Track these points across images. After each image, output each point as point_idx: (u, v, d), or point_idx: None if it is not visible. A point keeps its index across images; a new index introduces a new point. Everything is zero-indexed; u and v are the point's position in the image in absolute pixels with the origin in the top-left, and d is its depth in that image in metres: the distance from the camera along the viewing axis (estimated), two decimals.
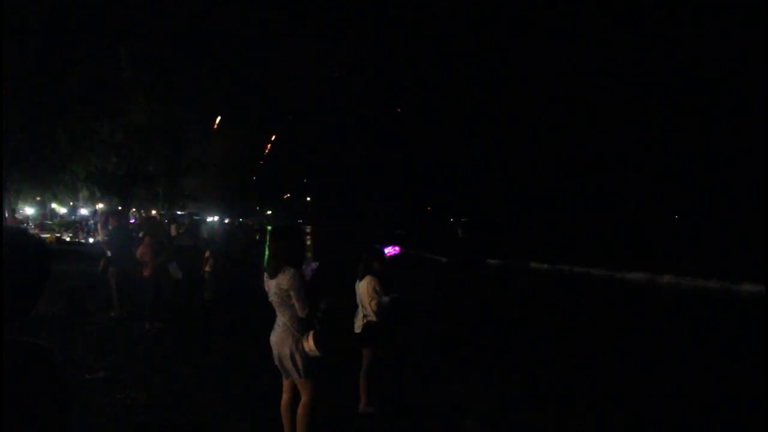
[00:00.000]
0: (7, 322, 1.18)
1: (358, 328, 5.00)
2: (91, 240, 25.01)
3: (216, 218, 53.91)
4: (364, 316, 4.93)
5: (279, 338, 3.62)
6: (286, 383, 3.79)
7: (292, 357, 3.56)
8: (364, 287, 4.91)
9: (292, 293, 3.53)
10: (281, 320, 3.64)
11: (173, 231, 33.50)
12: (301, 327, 3.58)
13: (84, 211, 34.68)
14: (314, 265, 4.20)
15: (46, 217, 39.55)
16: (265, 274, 3.74)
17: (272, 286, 3.62)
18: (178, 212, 40.96)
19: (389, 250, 5.20)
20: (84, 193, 33.89)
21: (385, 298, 4.85)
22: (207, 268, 10.97)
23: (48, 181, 31.59)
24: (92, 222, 29.47)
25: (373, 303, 4.81)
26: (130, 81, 25.38)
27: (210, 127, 34.92)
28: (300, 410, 3.69)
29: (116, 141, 25.92)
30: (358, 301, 5.05)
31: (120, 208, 27.09)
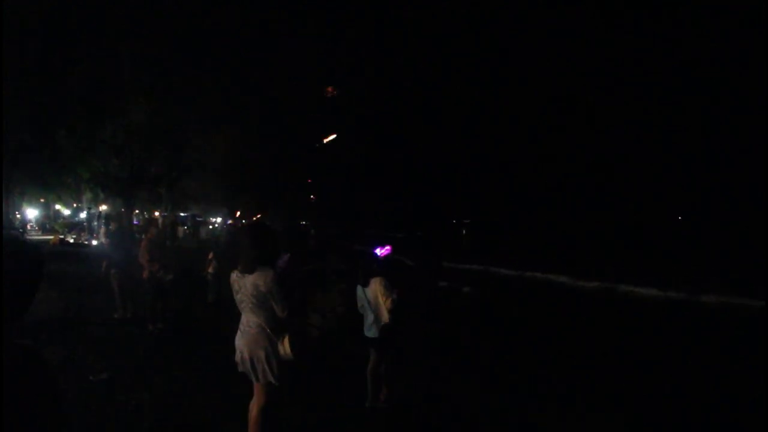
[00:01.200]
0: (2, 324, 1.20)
1: (368, 331, 4.96)
2: (94, 242, 25.09)
3: (219, 219, 54.01)
4: (376, 320, 4.87)
5: (252, 340, 3.47)
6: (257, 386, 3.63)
7: (268, 359, 3.44)
8: (374, 290, 4.85)
9: (272, 295, 3.42)
10: (253, 321, 3.50)
11: (180, 232, 33.66)
12: (278, 329, 3.49)
13: (83, 215, 34.85)
14: (286, 257, 4.12)
15: (50, 219, 39.74)
16: (236, 272, 3.58)
17: (248, 285, 3.47)
18: (181, 214, 41.00)
19: (380, 251, 5.13)
20: (88, 195, 33.98)
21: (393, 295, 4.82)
22: (210, 270, 10.99)
23: (51, 182, 31.73)
24: (95, 224, 29.60)
25: (389, 301, 4.75)
26: (130, 81, 25.37)
27: (211, 128, 34.84)
28: (255, 414, 3.57)
29: (118, 143, 25.92)
30: (361, 307, 5.01)
31: (123, 209, 27.16)
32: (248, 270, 3.50)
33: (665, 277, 17.43)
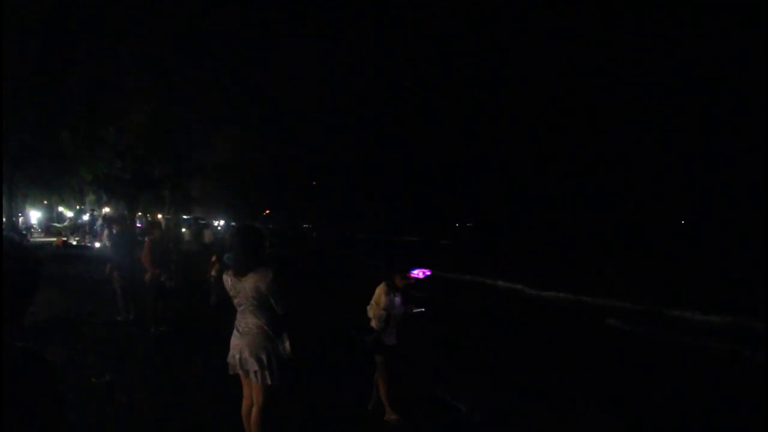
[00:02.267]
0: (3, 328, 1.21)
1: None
2: (97, 244, 25.15)
3: (222, 222, 54.02)
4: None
5: (254, 341, 3.49)
6: (248, 388, 3.67)
7: (269, 360, 3.47)
8: (377, 293, 4.75)
9: (273, 294, 3.45)
10: (254, 322, 3.52)
11: (185, 235, 33.71)
12: (279, 329, 3.53)
13: (86, 217, 34.92)
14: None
15: (52, 221, 39.84)
16: (230, 275, 3.60)
17: (247, 288, 3.49)
18: (184, 216, 41.06)
19: (417, 273, 4.79)
20: (90, 197, 34.10)
21: (417, 309, 4.62)
22: (213, 273, 11.01)
23: (54, 184, 31.83)
24: (98, 226, 29.66)
25: (373, 309, 4.67)
26: (132, 82, 25.40)
27: (212, 129, 34.87)
28: (255, 415, 3.58)
29: (120, 145, 26.01)
30: None
31: (126, 212, 27.24)
32: (240, 272, 3.52)
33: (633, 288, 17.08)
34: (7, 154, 22.13)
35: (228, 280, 3.62)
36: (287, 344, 3.50)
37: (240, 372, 3.60)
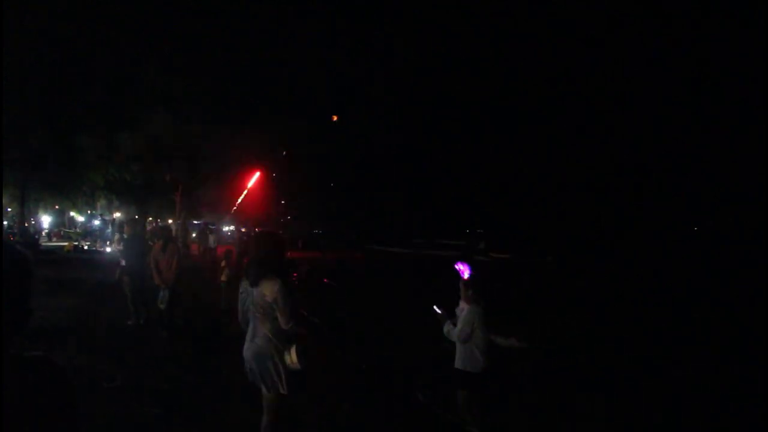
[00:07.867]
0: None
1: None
2: (108, 249, 25.34)
3: (232, 227, 54.17)
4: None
5: (260, 350, 3.45)
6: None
7: (276, 370, 3.42)
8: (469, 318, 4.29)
9: (277, 305, 3.39)
10: (260, 330, 3.46)
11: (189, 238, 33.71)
12: (283, 339, 3.46)
13: (96, 222, 35.16)
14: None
15: (65, 225, 40.20)
16: (244, 282, 3.58)
17: (256, 295, 3.45)
18: (194, 221, 41.11)
19: (462, 269, 4.40)
20: (102, 202, 34.33)
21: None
22: (224, 278, 10.97)
23: (67, 189, 32.08)
24: (109, 230, 29.88)
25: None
26: (149, 89, 25.49)
27: (224, 134, 34.78)
28: (265, 424, 3.52)
29: (136, 151, 26.12)
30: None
31: (136, 216, 27.37)
32: (253, 282, 3.47)
33: None
34: (20, 159, 22.35)
35: (243, 284, 3.60)
36: (294, 355, 3.42)
37: (254, 381, 3.56)
